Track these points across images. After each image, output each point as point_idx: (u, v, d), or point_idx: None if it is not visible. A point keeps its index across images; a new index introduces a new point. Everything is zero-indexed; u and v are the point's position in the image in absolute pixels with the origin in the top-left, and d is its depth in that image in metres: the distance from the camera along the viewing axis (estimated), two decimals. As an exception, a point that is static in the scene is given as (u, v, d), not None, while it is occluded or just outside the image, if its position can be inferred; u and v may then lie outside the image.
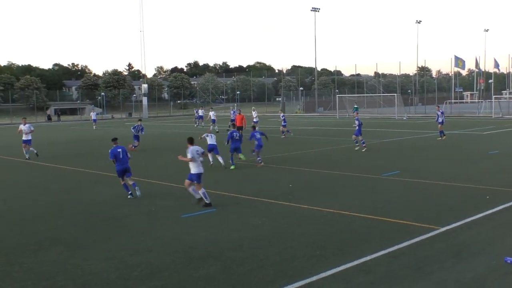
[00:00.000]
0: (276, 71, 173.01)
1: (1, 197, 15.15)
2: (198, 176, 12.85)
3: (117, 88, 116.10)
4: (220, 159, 19.52)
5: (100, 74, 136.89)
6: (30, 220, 12.06)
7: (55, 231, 10.98)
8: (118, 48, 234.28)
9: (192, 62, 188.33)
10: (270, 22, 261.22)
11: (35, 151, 24.97)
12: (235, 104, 76.01)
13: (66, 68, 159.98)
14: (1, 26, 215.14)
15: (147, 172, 18.86)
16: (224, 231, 10.49)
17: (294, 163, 20.54)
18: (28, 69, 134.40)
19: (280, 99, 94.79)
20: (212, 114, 42.86)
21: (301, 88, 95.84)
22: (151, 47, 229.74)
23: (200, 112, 48.55)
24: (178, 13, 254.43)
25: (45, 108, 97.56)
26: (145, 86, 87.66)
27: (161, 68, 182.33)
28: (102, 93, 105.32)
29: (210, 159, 19.48)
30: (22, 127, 25.25)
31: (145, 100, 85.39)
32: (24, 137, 24.88)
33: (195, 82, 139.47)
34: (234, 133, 19.95)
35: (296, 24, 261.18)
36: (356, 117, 25.11)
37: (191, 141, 13.27)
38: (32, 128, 25.59)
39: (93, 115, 57.80)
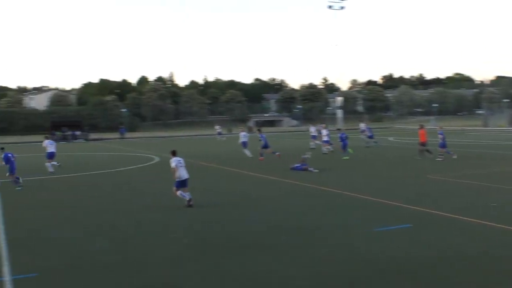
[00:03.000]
0: (477, 82, 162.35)
1: (222, 199, 16.61)
2: (183, 182, 15.10)
3: (313, 101, 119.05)
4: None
5: (297, 87, 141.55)
6: (233, 223, 13.01)
7: (254, 235, 11.74)
8: (314, 62, 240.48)
9: (387, 75, 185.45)
10: (469, 30, 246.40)
11: None
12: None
13: (265, 82, 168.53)
14: (209, 46, 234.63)
15: (338, 184, 19.19)
16: (418, 248, 10.27)
17: (497, 181, 19.15)
18: (232, 84, 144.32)
19: (481, 112, 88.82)
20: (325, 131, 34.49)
21: (507, 100, 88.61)
22: (346, 61, 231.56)
23: (312, 130, 39.50)
24: (372, 25, 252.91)
25: (246, 120, 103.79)
26: (339, 99, 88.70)
27: (356, 81, 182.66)
28: (299, 106, 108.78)
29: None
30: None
31: (339, 112, 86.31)
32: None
33: (390, 94, 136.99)
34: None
35: (501, 30, 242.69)
36: None
37: (174, 153, 15.34)
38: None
39: (218, 129, 64.23)
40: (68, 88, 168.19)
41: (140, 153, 40.05)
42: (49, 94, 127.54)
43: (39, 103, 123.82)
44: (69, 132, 69.10)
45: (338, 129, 36.09)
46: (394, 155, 31.91)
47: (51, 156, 26.34)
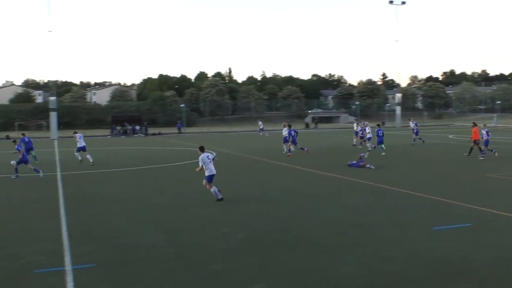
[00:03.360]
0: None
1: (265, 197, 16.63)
2: (211, 177, 15.32)
3: (371, 97, 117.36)
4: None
5: (355, 83, 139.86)
6: (288, 220, 12.96)
7: (310, 231, 11.66)
8: (372, 58, 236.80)
9: (448, 71, 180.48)
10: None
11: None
12: (354, 119, 71.83)
13: (323, 78, 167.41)
14: (267, 42, 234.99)
15: (396, 181, 18.83)
16: (479, 249, 9.92)
17: None
18: (290, 80, 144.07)
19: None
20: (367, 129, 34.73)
21: None
22: (406, 56, 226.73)
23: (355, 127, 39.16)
24: (434, 20, 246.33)
25: (304, 116, 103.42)
26: (398, 95, 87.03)
27: (416, 77, 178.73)
28: (357, 102, 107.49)
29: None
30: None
31: (398, 109, 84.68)
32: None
33: (451, 91, 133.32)
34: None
35: None
36: None
37: (202, 149, 15.83)
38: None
39: (260, 125, 63.96)
40: (129, 83, 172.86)
41: (197, 148, 40.51)
42: (111, 89, 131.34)
43: (101, 98, 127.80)
44: (129, 127, 70.80)
45: (378, 125, 36.19)
46: (453, 153, 31.02)
47: (81, 149, 27.83)
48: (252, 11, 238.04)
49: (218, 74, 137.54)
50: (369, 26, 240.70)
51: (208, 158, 15.57)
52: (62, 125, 74.09)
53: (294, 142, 31.26)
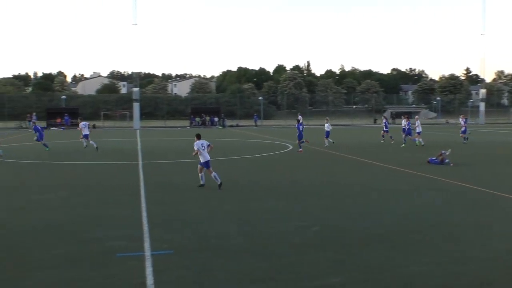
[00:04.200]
0: None
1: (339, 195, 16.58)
2: (206, 163, 16.40)
3: (453, 92, 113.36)
4: None
5: (437, 78, 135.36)
6: (364, 216, 12.85)
7: (384, 228, 11.50)
8: (456, 52, 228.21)
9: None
10: None
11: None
12: None
13: (403, 72, 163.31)
14: (346, 35, 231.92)
15: (477, 180, 18.19)
16: None
17: None
18: (369, 74, 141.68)
19: None
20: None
21: None
22: (492, 51, 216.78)
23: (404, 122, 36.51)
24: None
25: (382, 110, 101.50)
26: (483, 91, 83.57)
27: (502, 72, 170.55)
28: (438, 98, 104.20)
29: None
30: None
31: (482, 105, 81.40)
32: None
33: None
34: None
35: None
36: None
37: (198, 136, 16.83)
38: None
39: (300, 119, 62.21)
40: (208, 76, 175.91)
41: (273, 140, 40.85)
42: (191, 81, 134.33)
43: (182, 89, 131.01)
44: (208, 118, 72.26)
45: (407, 117, 36.95)
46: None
47: (86, 137, 31.52)
48: (331, 5, 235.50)
49: (296, 68, 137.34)
50: (452, 19, 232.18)
51: (202, 146, 16.58)
52: (144, 116, 76.65)
53: (299, 138, 30.48)
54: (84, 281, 8.07)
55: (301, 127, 30.77)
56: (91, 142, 30.99)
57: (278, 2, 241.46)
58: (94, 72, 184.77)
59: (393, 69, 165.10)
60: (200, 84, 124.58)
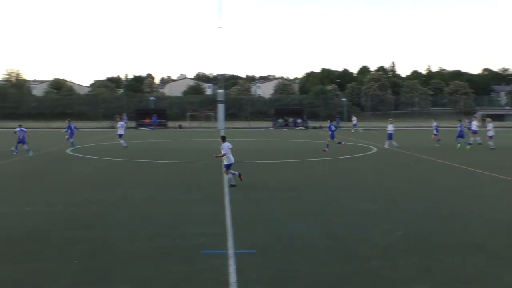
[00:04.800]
0: None
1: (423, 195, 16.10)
2: (231, 165, 16.84)
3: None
4: None
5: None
6: (452, 222, 12.40)
7: (475, 235, 10.99)
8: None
9: None
10: None
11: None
12: None
13: (495, 73, 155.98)
14: (433, 35, 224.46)
15: None
16: None
17: None
18: (457, 74, 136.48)
19: None
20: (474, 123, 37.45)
21: None
22: None
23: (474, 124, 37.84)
24: None
25: (472, 112, 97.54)
26: None
27: None
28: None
29: None
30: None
31: None
32: None
33: None
34: None
35: None
36: None
37: (223, 139, 17.24)
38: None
39: (354, 120, 63.24)
40: (291, 77, 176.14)
41: (356, 142, 40.26)
42: (274, 83, 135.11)
43: (265, 91, 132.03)
44: (291, 120, 72.39)
45: (459, 120, 37.07)
46: None
47: (120, 136, 33.89)
48: (416, 4, 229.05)
49: (381, 68, 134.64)
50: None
51: (229, 148, 16.97)
52: (228, 116, 77.95)
53: (332, 137, 31.32)
54: (170, 274, 8.33)
55: (332, 126, 31.71)
56: (121, 141, 33.44)
57: (363, 3, 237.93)
58: (181, 74, 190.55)
59: (485, 69, 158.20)
60: (284, 85, 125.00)
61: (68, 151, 30.92)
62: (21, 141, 29.27)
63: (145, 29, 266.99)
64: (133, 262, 8.96)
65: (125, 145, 32.83)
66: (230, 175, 17.05)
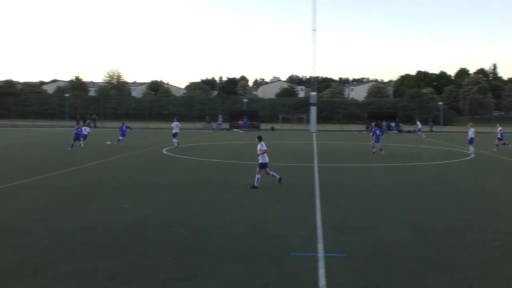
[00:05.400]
0: None
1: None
2: (264, 164, 17.06)
3: None
4: None
5: None
6: None
7: None
8: None
9: None
10: None
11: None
12: None
13: None
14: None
15: None
16: None
17: None
18: None
19: None
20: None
21: None
22: None
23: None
24: None
25: None
26: None
27: None
28: None
29: None
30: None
31: None
32: None
33: None
34: None
35: None
36: None
37: (260, 138, 17.58)
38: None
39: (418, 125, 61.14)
40: (386, 80, 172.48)
41: (452, 147, 38.73)
42: (368, 85, 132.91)
43: (358, 94, 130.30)
44: (384, 123, 70.84)
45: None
46: None
47: (174, 135, 35.64)
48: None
49: (480, 71, 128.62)
50: None
51: (264, 147, 17.14)
52: (320, 119, 77.58)
53: (377, 141, 30.90)
54: (259, 275, 8.45)
55: (377, 131, 31.34)
56: (174, 140, 35.62)
57: (459, 3, 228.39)
58: (273, 77, 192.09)
59: None
60: (377, 88, 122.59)
61: (164, 151, 32.08)
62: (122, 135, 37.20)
63: (239, 31, 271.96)
64: (223, 262, 9.17)
65: (176, 144, 35.11)
66: (258, 176, 17.21)
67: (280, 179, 17.58)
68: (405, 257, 9.60)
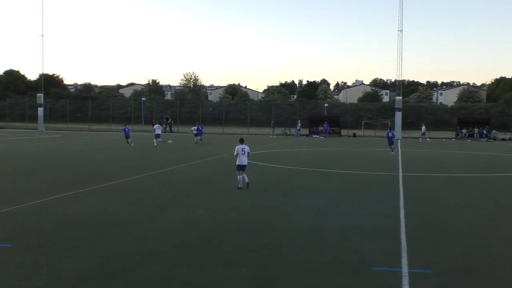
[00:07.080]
0: None
1: None
2: (242, 167, 17.88)
3: None
4: None
5: None
6: None
7: None
8: None
9: None
10: None
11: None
12: None
13: None
14: None
15: None
16: None
17: None
18: None
19: None
20: None
21: None
22: None
23: None
24: None
25: None
26: None
27: None
28: None
29: None
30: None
31: None
32: None
33: None
34: None
35: None
36: None
37: (241, 141, 18.46)
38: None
39: None
40: (478, 83, 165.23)
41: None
42: (458, 89, 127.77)
43: (448, 98, 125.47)
44: (476, 130, 67.48)
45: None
46: None
47: (157, 136, 40.03)
48: None
49: None
50: None
51: (242, 150, 17.92)
52: (406, 125, 75.12)
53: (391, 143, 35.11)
54: (338, 291, 8.01)
55: (390, 134, 35.86)
56: (160, 140, 40.49)
57: None
58: (356, 80, 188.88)
59: None
60: (469, 92, 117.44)
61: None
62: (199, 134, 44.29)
63: (321, 33, 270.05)
64: (300, 274, 8.78)
65: (155, 144, 38.83)
66: (239, 178, 17.88)
67: (240, 188, 17.85)
68: (497, 274, 8.88)
